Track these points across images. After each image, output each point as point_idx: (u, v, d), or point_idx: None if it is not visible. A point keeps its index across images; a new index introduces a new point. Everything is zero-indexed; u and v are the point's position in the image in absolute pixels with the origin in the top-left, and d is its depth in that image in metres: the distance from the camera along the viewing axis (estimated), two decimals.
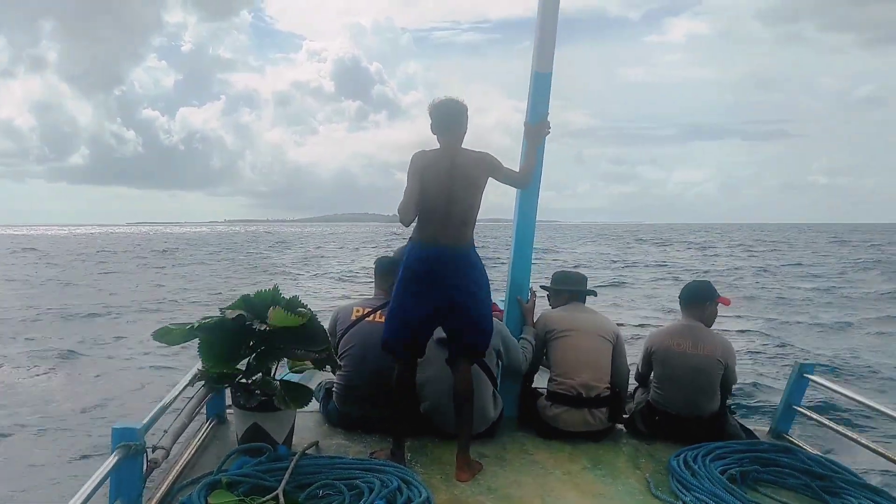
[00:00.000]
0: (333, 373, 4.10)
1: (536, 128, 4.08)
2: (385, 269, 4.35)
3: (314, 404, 4.29)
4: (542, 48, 4.18)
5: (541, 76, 4.21)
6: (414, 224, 3.58)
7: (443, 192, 3.50)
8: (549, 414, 4.19)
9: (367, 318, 4.15)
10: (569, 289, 4.59)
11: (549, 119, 4.12)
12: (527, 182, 3.99)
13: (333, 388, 4.15)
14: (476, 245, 3.65)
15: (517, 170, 3.90)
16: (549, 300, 4.74)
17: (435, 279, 3.50)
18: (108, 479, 2.36)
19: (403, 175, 3.59)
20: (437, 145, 3.62)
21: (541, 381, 4.51)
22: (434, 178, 3.51)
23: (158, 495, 2.95)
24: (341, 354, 4.10)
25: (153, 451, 2.57)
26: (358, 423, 4.06)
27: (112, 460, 2.35)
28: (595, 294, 4.78)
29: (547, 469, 3.71)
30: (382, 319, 3.99)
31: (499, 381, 4.28)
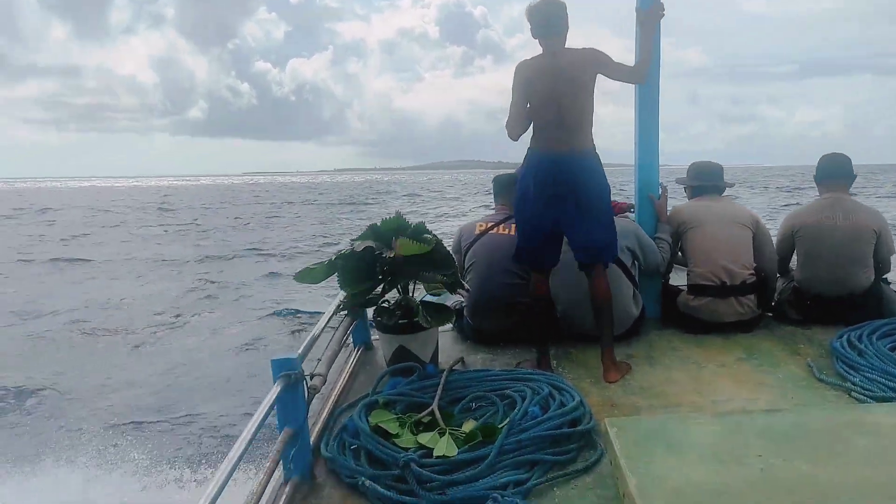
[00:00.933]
0: (461, 294, 4.10)
1: (649, 11, 3.82)
2: (503, 183, 4.32)
3: (450, 325, 4.37)
4: None
5: None
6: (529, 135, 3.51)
7: (551, 97, 3.37)
8: (692, 306, 4.06)
9: (490, 231, 4.13)
10: (703, 183, 4.36)
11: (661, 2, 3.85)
12: (643, 75, 3.64)
13: (464, 305, 4.18)
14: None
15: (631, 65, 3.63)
16: (685, 193, 4.54)
17: (552, 187, 3.41)
18: (275, 408, 2.48)
19: None
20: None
21: (678, 279, 4.37)
22: (540, 84, 3.39)
23: (321, 420, 3.09)
24: (468, 268, 4.13)
25: (311, 379, 2.66)
26: (493, 337, 4.08)
27: (275, 390, 2.44)
28: (732, 185, 4.54)
29: (699, 363, 3.60)
30: (506, 231, 3.97)
31: (637, 282, 4.18)
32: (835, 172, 4.20)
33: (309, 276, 3.56)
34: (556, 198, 3.41)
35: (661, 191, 4.32)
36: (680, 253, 4.33)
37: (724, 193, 4.41)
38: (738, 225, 4.10)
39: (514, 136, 3.49)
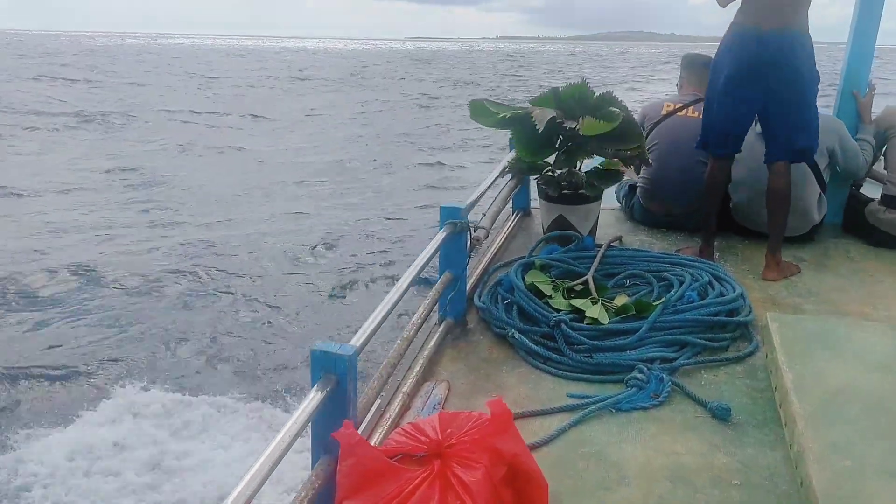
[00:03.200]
0: (637, 172, 3.97)
1: None
2: (696, 64, 4.03)
3: (616, 203, 4.28)
4: None
5: None
6: (735, 6, 3.22)
7: None
8: (881, 218, 3.73)
9: (677, 113, 3.92)
10: None
11: None
12: None
13: (638, 184, 4.06)
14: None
15: None
16: None
17: (757, 69, 3.13)
18: (439, 253, 2.59)
19: None
20: None
21: (869, 192, 4.01)
22: None
23: (478, 271, 3.20)
24: (649, 149, 3.97)
25: (475, 231, 2.74)
26: (661, 221, 3.98)
27: (441, 235, 2.54)
28: None
29: (876, 278, 3.35)
30: (695, 115, 3.75)
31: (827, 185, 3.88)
32: None
33: (482, 116, 3.43)
34: (758, 81, 3.15)
35: (868, 88, 3.90)
36: (883, 157, 3.94)
37: None
38: None
39: (723, 2, 3.25)
